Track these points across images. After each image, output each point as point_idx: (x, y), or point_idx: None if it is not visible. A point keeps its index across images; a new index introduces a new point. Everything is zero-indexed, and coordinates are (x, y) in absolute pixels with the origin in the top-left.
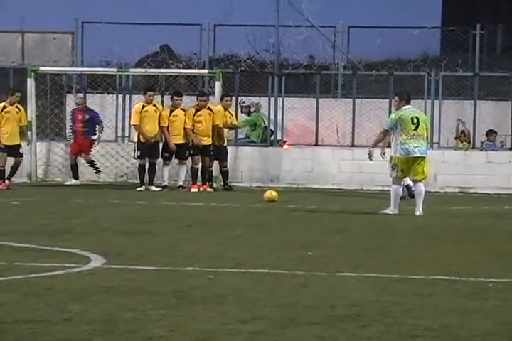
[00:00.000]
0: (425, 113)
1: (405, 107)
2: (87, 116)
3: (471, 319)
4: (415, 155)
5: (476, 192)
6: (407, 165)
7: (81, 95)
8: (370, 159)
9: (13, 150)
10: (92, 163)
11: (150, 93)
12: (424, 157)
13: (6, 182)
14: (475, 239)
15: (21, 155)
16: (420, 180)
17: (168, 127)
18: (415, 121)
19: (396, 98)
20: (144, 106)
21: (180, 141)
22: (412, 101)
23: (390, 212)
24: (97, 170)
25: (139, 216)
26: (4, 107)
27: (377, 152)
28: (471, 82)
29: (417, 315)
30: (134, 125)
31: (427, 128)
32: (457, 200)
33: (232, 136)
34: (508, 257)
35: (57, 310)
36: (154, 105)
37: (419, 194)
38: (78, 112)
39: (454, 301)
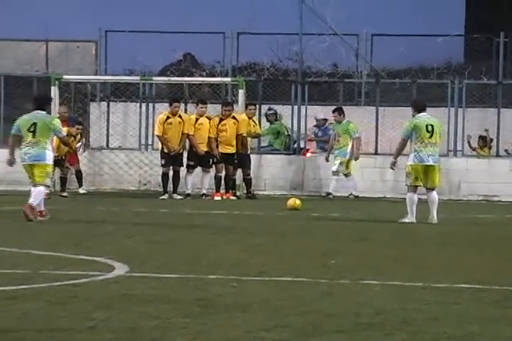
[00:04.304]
0: (448, 121)
1: (420, 115)
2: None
3: (494, 327)
4: (428, 164)
5: (500, 201)
6: (421, 173)
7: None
8: (392, 168)
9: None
10: (80, 174)
11: (176, 104)
12: (437, 165)
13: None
14: (499, 247)
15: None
16: (433, 188)
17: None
18: (430, 128)
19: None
20: (168, 118)
21: (205, 149)
22: (435, 109)
23: (408, 220)
24: (81, 183)
25: (162, 224)
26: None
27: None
28: (495, 90)
29: (440, 323)
30: (157, 135)
31: (440, 137)
32: (481, 208)
33: (255, 144)
34: None
35: (82, 318)
36: (180, 116)
37: (432, 202)
38: (63, 123)
39: (477, 309)
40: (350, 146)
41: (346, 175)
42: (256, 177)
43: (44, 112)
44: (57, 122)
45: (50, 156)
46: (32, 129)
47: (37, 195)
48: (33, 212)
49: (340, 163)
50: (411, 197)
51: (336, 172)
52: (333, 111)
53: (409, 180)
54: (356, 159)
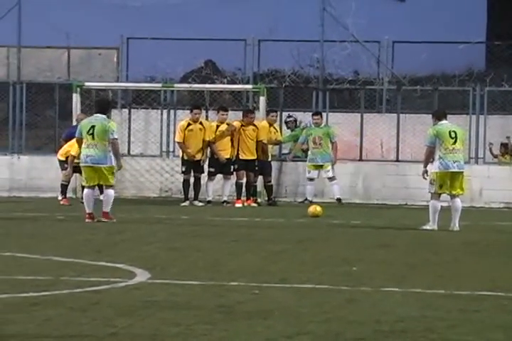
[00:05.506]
0: (470, 128)
1: (441, 122)
2: None
3: None
4: (454, 170)
5: None
6: (446, 180)
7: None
8: (424, 178)
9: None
10: None
11: (196, 111)
12: (462, 172)
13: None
14: None
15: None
16: (458, 195)
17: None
18: (453, 135)
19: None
20: (189, 124)
21: (226, 156)
22: (456, 116)
23: (429, 228)
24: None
25: (184, 231)
26: None
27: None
28: None
29: (462, 330)
30: (177, 142)
31: (463, 144)
32: (502, 216)
33: (276, 151)
34: None
35: (103, 324)
36: (201, 123)
37: (456, 209)
38: None
39: (499, 317)
40: (331, 150)
41: (331, 179)
42: (277, 184)
43: (104, 116)
44: (113, 125)
45: (111, 158)
46: (91, 132)
47: (108, 201)
48: (109, 217)
49: (332, 168)
50: (434, 204)
51: (311, 179)
52: (316, 114)
53: (433, 187)
54: (334, 163)
